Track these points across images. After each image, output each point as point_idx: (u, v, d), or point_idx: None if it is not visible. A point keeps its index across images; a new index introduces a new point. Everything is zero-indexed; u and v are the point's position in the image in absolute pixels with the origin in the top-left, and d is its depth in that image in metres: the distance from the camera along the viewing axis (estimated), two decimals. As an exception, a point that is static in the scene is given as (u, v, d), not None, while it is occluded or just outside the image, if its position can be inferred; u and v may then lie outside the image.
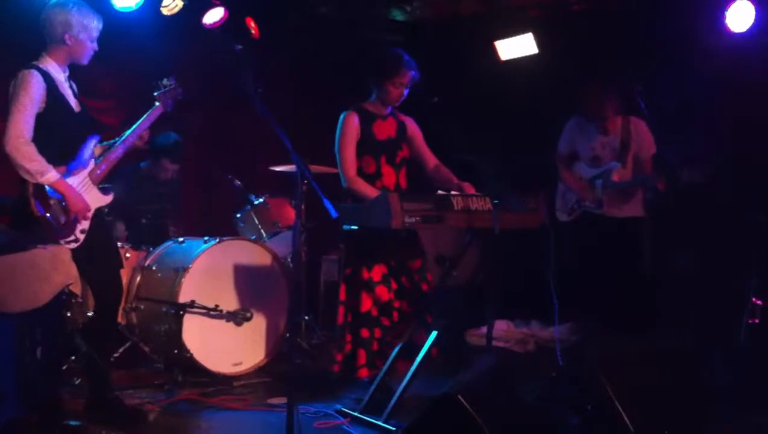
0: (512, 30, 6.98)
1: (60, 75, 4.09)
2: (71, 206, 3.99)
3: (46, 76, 3.97)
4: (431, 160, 4.96)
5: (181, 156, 6.06)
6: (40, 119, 3.93)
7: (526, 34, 6.91)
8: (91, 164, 4.20)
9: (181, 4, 6.26)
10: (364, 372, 4.62)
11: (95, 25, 4.12)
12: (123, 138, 4.29)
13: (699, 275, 5.58)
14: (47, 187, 3.93)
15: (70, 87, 4.18)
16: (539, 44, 6.86)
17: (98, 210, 4.20)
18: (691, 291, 5.50)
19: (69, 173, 4.05)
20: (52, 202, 3.96)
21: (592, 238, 5.47)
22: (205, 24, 6.52)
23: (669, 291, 5.49)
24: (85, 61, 4.17)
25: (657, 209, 5.52)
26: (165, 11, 6.26)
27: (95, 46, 4.16)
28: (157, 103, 4.40)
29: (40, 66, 4.00)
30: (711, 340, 5.23)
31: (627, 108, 5.45)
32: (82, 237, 4.07)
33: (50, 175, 3.91)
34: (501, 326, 6.46)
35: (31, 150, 3.86)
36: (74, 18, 4.04)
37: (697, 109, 5.36)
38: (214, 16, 6.51)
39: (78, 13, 4.05)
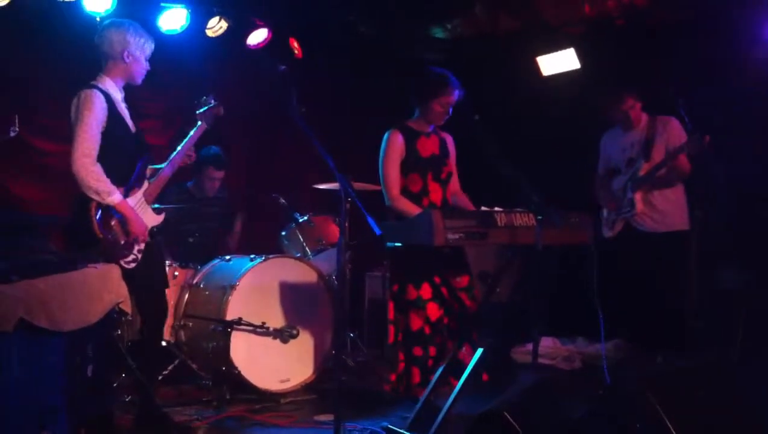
0: (554, 45, 6.97)
1: (117, 95, 4.20)
2: (132, 228, 4.09)
3: (106, 96, 4.07)
4: (455, 184, 4.99)
5: (224, 163, 6.16)
6: (101, 139, 4.02)
7: (567, 50, 6.89)
8: (145, 184, 4.31)
9: (225, 25, 6.36)
10: (419, 392, 4.58)
11: (149, 44, 4.26)
12: (171, 158, 4.41)
13: (743, 290, 5.49)
14: (111, 208, 4.03)
15: (126, 108, 4.28)
16: (581, 59, 6.83)
17: (151, 229, 4.30)
18: (736, 306, 5.41)
19: (126, 193, 4.15)
20: (113, 222, 4.05)
21: (633, 254, 5.45)
22: (249, 45, 6.62)
23: (713, 306, 5.41)
24: (139, 81, 4.28)
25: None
26: (210, 33, 6.37)
27: (148, 65, 4.28)
28: (200, 122, 4.51)
29: (99, 85, 4.10)
30: (758, 356, 5.14)
31: (664, 111, 5.46)
32: (140, 256, 4.17)
33: (116, 196, 4.01)
34: (547, 343, 6.42)
35: (98, 170, 3.96)
36: (131, 36, 4.17)
37: (741, 122, 5.29)
38: (258, 37, 6.61)
39: (134, 31, 4.19)
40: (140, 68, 4.26)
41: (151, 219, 4.31)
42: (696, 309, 5.34)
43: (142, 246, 4.21)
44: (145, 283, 4.24)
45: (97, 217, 3.98)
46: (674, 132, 5.41)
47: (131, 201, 4.17)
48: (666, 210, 5.45)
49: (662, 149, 5.40)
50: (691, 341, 5.16)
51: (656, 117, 5.50)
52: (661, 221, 5.45)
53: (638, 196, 5.45)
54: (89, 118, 3.97)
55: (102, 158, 4.02)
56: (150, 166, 4.43)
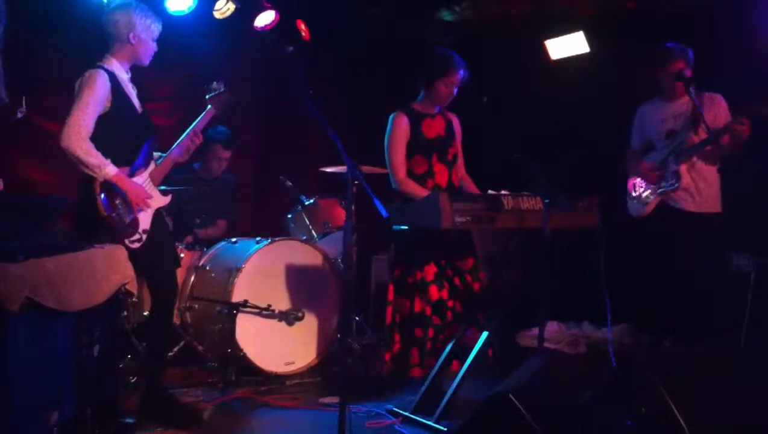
0: (562, 29, 6.93)
1: (124, 75, 4.19)
2: (132, 197, 4.08)
3: (112, 76, 4.07)
4: (461, 169, 4.98)
5: (231, 143, 6.15)
6: (106, 119, 4.02)
7: (576, 33, 6.85)
8: (152, 165, 4.31)
9: (233, 7, 6.33)
10: (416, 371, 4.63)
11: (156, 25, 4.24)
12: (179, 141, 4.41)
13: (751, 275, 5.43)
14: (112, 184, 4.02)
15: (133, 88, 4.27)
16: (590, 43, 6.79)
17: (158, 210, 4.29)
18: (744, 292, 5.36)
19: (132, 173, 4.15)
20: (117, 200, 4.05)
21: (667, 233, 5.24)
22: (257, 27, 6.59)
23: (722, 291, 5.36)
24: (146, 62, 4.27)
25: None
26: (217, 15, 6.35)
27: (155, 46, 4.27)
28: (209, 106, 4.50)
29: (105, 66, 4.10)
30: (765, 343, 5.12)
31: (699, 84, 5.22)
32: (144, 236, 4.16)
33: (109, 169, 3.99)
34: (552, 328, 6.42)
35: (88, 145, 3.93)
36: (137, 18, 4.15)
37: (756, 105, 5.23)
38: (265, 18, 6.58)
39: (140, 13, 4.18)
40: (147, 50, 4.25)
41: (158, 200, 4.30)
42: (708, 293, 5.26)
43: (147, 225, 4.20)
44: (153, 263, 4.24)
45: (102, 196, 3.98)
46: (721, 108, 5.18)
47: (138, 180, 4.17)
48: (705, 190, 5.20)
49: (710, 123, 5.08)
50: (700, 326, 5.11)
51: (702, 92, 5.20)
52: (700, 201, 5.20)
53: (684, 169, 5.17)
54: (88, 96, 3.96)
55: (108, 138, 4.01)
56: (156, 153, 4.42)
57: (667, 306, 5.24)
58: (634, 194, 5.51)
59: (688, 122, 5.21)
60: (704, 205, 5.21)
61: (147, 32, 4.20)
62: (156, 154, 4.40)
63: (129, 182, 4.10)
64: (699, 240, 5.16)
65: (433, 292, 4.71)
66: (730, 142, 5.03)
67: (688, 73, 5.19)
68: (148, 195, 4.19)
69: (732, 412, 3.37)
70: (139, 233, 4.15)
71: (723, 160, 5.21)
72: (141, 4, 4.23)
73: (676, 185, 5.22)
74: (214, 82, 4.56)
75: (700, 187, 5.21)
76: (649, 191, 5.39)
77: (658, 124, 5.39)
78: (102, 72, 4.04)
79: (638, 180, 5.49)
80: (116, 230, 4.02)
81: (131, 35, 4.15)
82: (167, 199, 4.39)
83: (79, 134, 3.92)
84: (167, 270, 4.39)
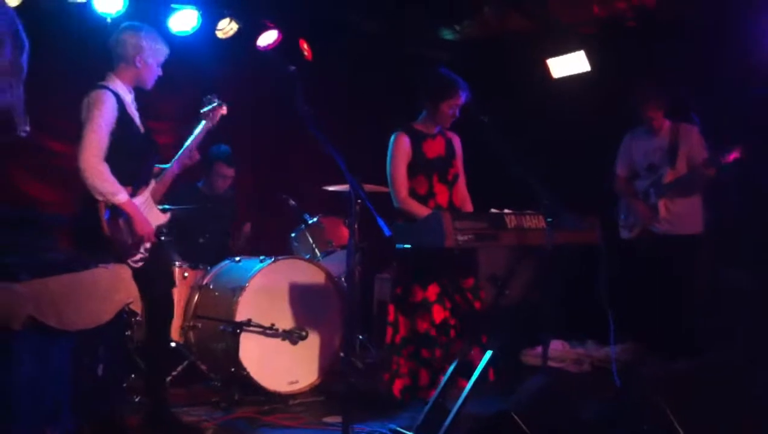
0: (564, 47, 6.95)
1: (127, 96, 4.19)
2: (138, 229, 4.07)
3: (117, 97, 4.07)
4: (463, 190, 5.02)
5: (234, 161, 6.17)
6: (111, 140, 4.01)
7: (578, 52, 6.88)
8: (152, 183, 4.32)
9: (235, 27, 6.39)
10: (429, 394, 4.57)
11: (164, 51, 4.25)
12: (176, 157, 4.43)
13: (753, 293, 5.48)
14: (117, 207, 4.02)
15: (136, 109, 4.28)
16: (592, 61, 6.81)
17: (158, 228, 4.30)
18: (744, 309, 5.41)
19: (134, 192, 4.15)
20: (121, 221, 4.05)
21: (649, 257, 5.54)
22: (259, 46, 6.63)
23: (722, 309, 5.43)
24: (149, 86, 4.28)
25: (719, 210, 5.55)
26: (220, 35, 6.40)
27: (160, 71, 4.27)
28: (204, 121, 4.52)
29: (110, 86, 4.10)
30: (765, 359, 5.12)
31: (677, 114, 5.56)
32: (146, 255, 4.17)
33: (121, 196, 3.99)
34: (556, 346, 6.41)
35: (105, 170, 3.94)
36: (146, 42, 4.16)
37: (757, 125, 5.27)
38: (267, 38, 6.63)
39: (149, 37, 4.19)
40: (152, 74, 4.25)
41: (156, 218, 4.30)
42: (706, 311, 5.36)
43: (149, 245, 4.21)
44: (151, 283, 4.24)
45: (106, 216, 3.98)
46: (696, 143, 5.49)
47: (138, 200, 4.17)
48: (683, 213, 5.54)
49: (684, 158, 5.50)
50: (701, 343, 5.15)
51: (679, 124, 5.57)
52: (678, 224, 5.54)
53: (662, 204, 5.55)
54: (99, 118, 3.96)
55: (111, 158, 4.01)
56: (156, 166, 4.44)
57: (663, 325, 5.35)
58: (621, 217, 5.86)
59: (666, 157, 5.55)
60: (684, 228, 5.54)
61: (154, 57, 4.21)
62: (156, 168, 4.42)
63: (139, 213, 4.10)
64: (680, 262, 5.48)
65: (437, 312, 4.69)
66: (700, 180, 5.42)
67: (660, 114, 5.57)
68: (153, 232, 4.20)
69: (734, 428, 3.36)
70: (142, 252, 4.16)
71: (704, 187, 5.52)
72: (151, 28, 4.24)
73: (656, 218, 5.60)
74: (208, 96, 4.59)
75: (680, 214, 5.55)
76: (632, 217, 5.78)
77: (641, 156, 5.74)
78: (108, 92, 4.04)
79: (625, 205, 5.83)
80: (119, 249, 4.02)
81: (138, 58, 4.15)
82: (166, 217, 4.39)
83: (96, 157, 3.92)
84: (164, 290, 4.40)
